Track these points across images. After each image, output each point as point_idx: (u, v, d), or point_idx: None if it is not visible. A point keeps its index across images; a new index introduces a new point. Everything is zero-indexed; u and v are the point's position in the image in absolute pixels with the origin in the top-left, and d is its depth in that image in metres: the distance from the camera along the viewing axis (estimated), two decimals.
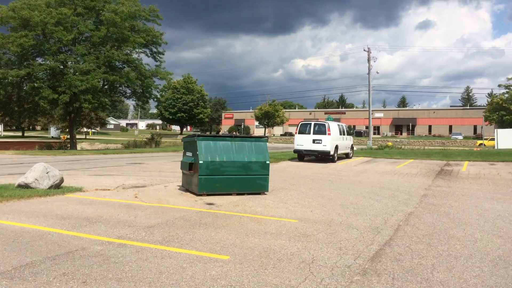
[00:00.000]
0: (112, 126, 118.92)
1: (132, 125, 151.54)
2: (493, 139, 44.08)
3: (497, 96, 69.31)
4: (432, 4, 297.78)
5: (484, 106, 78.72)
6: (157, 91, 39.53)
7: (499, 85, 70.13)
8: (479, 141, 51.19)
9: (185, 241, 5.76)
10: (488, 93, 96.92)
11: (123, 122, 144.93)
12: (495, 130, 43.67)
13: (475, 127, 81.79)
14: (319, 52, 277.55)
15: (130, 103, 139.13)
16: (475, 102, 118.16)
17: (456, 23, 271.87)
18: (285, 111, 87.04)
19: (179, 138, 70.15)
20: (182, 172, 10.70)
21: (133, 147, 37.91)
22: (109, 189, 10.17)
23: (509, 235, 6.47)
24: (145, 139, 42.80)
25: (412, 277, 4.54)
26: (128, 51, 33.04)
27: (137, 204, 8.48)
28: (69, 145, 34.79)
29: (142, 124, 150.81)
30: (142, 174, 13.99)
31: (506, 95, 65.04)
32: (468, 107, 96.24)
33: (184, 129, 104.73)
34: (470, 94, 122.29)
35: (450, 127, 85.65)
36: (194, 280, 4.29)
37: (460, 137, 71.11)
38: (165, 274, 4.43)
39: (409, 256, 5.28)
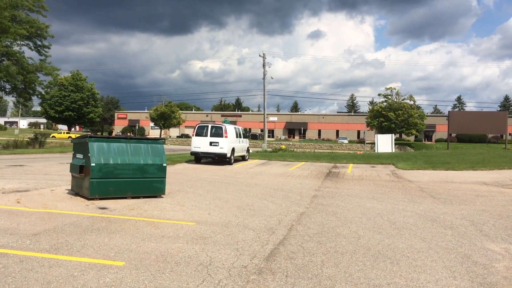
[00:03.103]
0: None
1: (12, 123, 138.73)
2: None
3: (377, 104, 76.28)
4: (322, 16, 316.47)
5: (366, 113, 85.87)
6: (42, 88, 36.82)
7: (379, 94, 77.50)
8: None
9: (75, 248, 5.45)
10: (369, 101, 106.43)
11: (0, 120, 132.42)
12: (375, 135, 47.93)
13: (358, 132, 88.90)
14: (217, 55, 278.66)
15: (10, 99, 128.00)
16: (359, 109, 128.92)
17: (344, 35, 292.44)
18: (182, 113, 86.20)
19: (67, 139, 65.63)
20: (72, 175, 10.05)
21: (13, 148, 34.49)
22: None
23: (387, 231, 7.16)
24: (27, 139, 39.18)
25: (303, 273, 4.82)
26: (8, 43, 30.33)
27: (20, 210, 7.79)
28: None
29: (23, 123, 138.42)
30: (25, 177, 12.85)
31: (385, 104, 71.92)
32: (352, 114, 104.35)
33: (73, 129, 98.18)
34: (355, 101, 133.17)
35: (337, 131, 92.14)
36: None
37: (346, 141, 76.80)
38: (54, 284, 4.16)
39: (301, 254, 5.59)
